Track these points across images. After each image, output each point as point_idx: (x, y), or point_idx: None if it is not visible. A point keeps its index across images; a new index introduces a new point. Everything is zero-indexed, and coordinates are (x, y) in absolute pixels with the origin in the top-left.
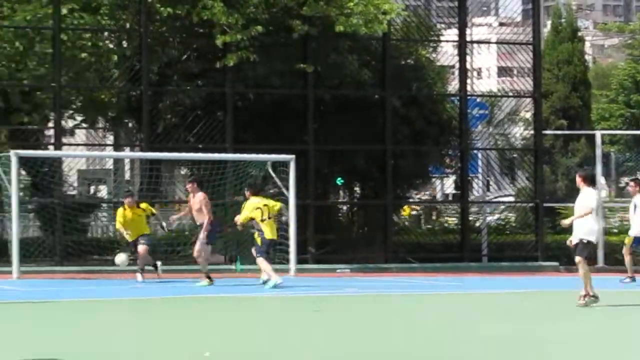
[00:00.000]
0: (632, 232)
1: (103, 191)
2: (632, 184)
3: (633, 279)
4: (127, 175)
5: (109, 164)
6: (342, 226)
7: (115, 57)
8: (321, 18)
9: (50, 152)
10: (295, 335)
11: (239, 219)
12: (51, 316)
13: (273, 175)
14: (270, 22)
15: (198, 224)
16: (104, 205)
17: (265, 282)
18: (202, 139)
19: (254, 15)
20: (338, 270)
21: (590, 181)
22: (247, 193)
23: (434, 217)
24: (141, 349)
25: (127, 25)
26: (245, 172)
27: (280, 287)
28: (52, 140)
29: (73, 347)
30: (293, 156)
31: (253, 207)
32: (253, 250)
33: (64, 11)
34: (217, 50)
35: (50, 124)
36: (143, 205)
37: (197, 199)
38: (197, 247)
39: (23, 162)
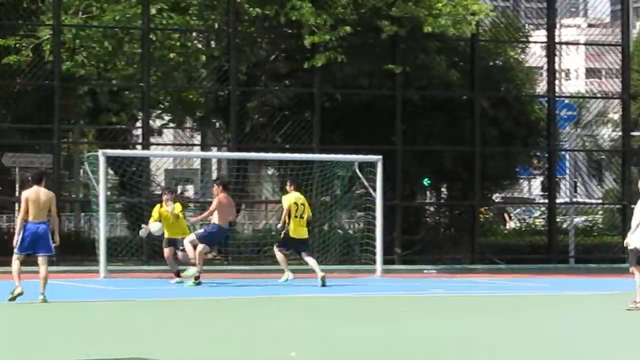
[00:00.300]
0: None
1: (190, 191)
2: None
3: None
4: (214, 175)
5: (196, 164)
6: (429, 227)
7: (204, 57)
8: (410, 19)
9: (138, 151)
10: (377, 337)
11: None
12: (137, 315)
13: (360, 175)
14: (358, 23)
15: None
16: (191, 205)
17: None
18: (290, 139)
19: (342, 15)
20: (425, 271)
21: None
22: (289, 187)
23: (510, 220)
24: (226, 347)
25: (216, 26)
26: (332, 173)
27: (289, 283)
28: (140, 140)
29: (157, 346)
30: (380, 157)
31: (292, 201)
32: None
33: (153, 11)
34: (305, 51)
35: (138, 124)
36: (176, 205)
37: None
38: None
39: (111, 161)
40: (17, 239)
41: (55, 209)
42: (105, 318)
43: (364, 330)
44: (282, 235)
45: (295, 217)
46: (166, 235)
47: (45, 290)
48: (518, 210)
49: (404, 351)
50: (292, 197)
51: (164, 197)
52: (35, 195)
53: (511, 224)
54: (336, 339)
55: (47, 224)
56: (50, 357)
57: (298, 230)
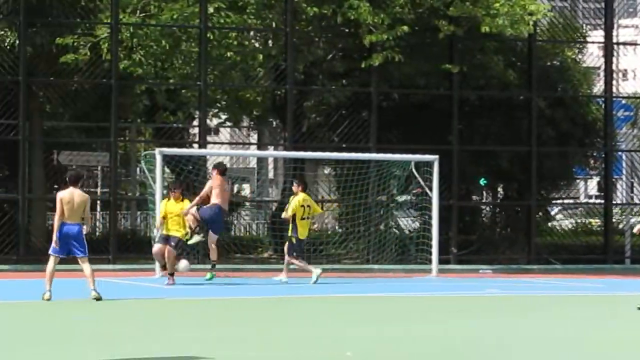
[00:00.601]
0: None
1: (246, 190)
2: None
3: None
4: (271, 174)
5: (253, 163)
6: (485, 227)
7: (261, 56)
8: (467, 18)
9: (195, 150)
10: (435, 335)
11: (287, 212)
12: (192, 314)
13: (416, 175)
14: (416, 22)
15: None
16: (247, 204)
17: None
18: (346, 138)
19: (400, 15)
20: (480, 271)
21: None
22: (296, 188)
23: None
24: (282, 346)
25: (273, 25)
26: (389, 172)
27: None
28: (197, 139)
29: (213, 346)
30: (437, 156)
31: (299, 204)
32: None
33: (211, 10)
34: (362, 50)
35: (195, 123)
36: (186, 202)
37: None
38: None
39: (167, 160)
40: (54, 239)
41: (89, 211)
42: (161, 316)
43: (416, 329)
44: (293, 240)
45: (302, 218)
46: (163, 232)
47: (96, 286)
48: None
49: (450, 351)
50: (299, 199)
51: (173, 193)
52: (69, 196)
53: (553, 223)
54: (388, 338)
55: (81, 225)
56: (103, 354)
57: (305, 232)
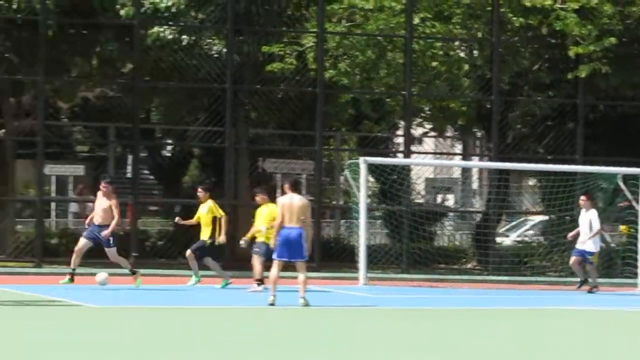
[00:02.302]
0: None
1: (450, 200)
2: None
3: None
4: (475, 185)
5: (457, 173)
6: None
7: (466, 66)
8: None
9: (399, 159)
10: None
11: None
12: (398, 324)
13: (623, 188)
14: (624, 33)
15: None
16: (451, 214)
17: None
18: (552, 150)
19: (607, 26)
20: None
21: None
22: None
23: None
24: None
25: (479, 35)
26: (595, 184)
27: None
28: (401, 148)
29: (406, 354)
30: None
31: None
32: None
33: (416, 20)
34: (569, 61)
35: (399, 132)
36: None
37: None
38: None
39: (372, 169)
40: (272, 243)
41: (309, 216)
42: (366, 325)
43: (623, 343)
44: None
45: None
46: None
47: (305, 294)
48: None
49: None
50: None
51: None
52: (289, 201)
53: None
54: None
55: (301, 229)
56: None
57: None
